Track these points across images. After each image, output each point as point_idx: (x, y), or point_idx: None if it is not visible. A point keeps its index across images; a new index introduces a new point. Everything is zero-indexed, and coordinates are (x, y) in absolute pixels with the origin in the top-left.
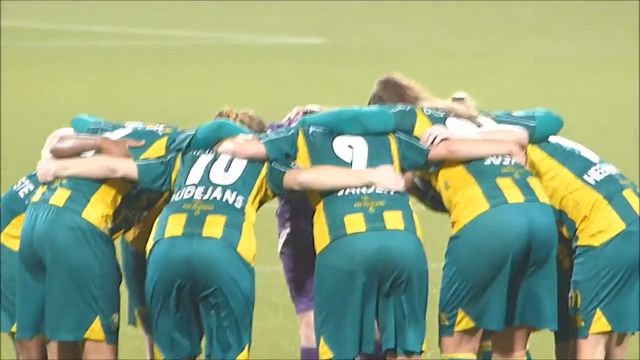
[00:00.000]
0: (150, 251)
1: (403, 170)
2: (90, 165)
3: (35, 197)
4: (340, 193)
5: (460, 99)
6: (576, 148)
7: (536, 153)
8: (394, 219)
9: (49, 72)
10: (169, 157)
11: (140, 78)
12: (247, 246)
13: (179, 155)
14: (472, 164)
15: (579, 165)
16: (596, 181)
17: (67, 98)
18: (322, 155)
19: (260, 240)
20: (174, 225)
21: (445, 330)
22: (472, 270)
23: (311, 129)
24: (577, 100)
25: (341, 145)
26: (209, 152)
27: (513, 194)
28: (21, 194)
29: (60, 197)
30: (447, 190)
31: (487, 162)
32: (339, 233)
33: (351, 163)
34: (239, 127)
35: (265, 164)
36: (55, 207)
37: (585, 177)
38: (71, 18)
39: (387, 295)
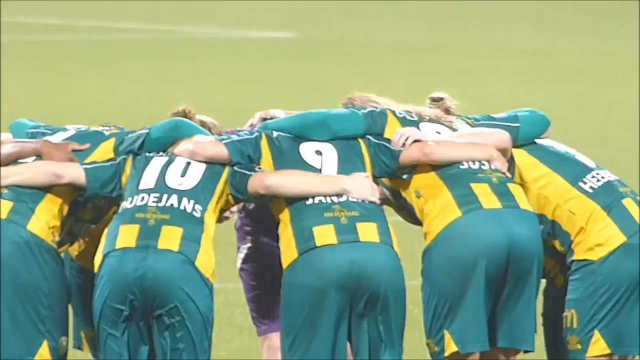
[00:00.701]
0: (100, 265)
1: (375, 177)
2: (32, 171)
3: None
4: (309, 202)
5: (439, 99)
6: (570, 152)
7: (524, 158)
8: (368, 231)
9: None
10: (118, 160)
11: (88, 76)
12: (206, 260)
13: (130, 158)
14: (445, 169)
15: (573, 171)
16: (593, 189)
17: (4, 96)
18: (288, 160)
19: (221, 255)
20: (125, 236)
21: (436, 357)
22: (447, 285)
23: (275, 134)
24: (575, 99)
25: (308, 150)
26: (163, 154)
27: (489, 199)
28: None
29: (1, 208)
30: (418, 199)
31: (463, 166)
32: (308, 246)
33: (321, 170)
34: (197, 127)
35: (227, 168)
36: None
37: (580, 184)
38: (14, 10)
39: (361, 315)
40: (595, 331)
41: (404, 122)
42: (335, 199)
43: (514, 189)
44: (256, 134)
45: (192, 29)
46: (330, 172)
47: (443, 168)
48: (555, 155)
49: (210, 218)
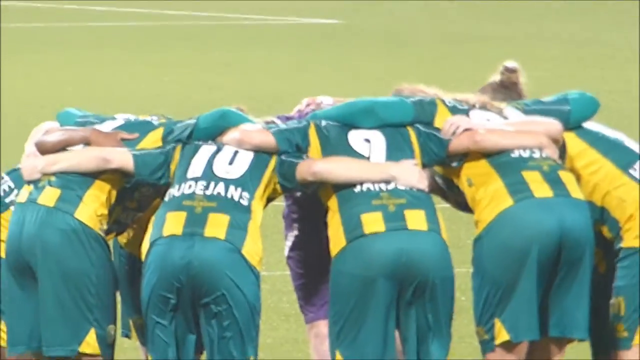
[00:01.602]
0: (147, 253)
1: (424, 165)
2: (80, 157)
3: (22, 198)
4: (358, 189)
5: (512, 70)
6: (619, 137)
7: (575, 143)
8: (416, 219)
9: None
10: (167, 148)
11: (134, 63)
12: (253, 248)
13: (179, 146)
14: (496, 157)
15: (624, 157)
16: None
17: (51, 84)
18: (337, 148)
19: (268, 242)
20: (173, 223)
21: (486, 345)
22: (499, 273)
23: (323, 122)
24: (622, 87)
25: (357, 138)
26: (211, 142)
27: (540, 188)
28: (0, 192)
29: (50, 196)
30: (470, 187)
31: (514, 154)
32: (356, 234)
33: (369, 157)
34: (245, 116)
35: (274, 157)
36: (45, 208)
37: (631, 171)
38: None
39: (409, 303)
40: None
41: (454, 110)
42: (383, 186)
43: (565, 176)
44: (304, 122)
45: (239, 16)
46: (379, 159)
47: (494, 156)
48: (606, 141)
49: (257, 206)
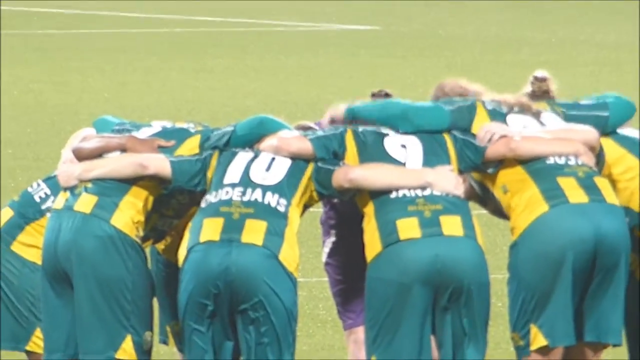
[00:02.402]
0: (184, 259)
1: (461, 171)
2: (117, 163)
3: (58, 204)
4: (394, 195)
5: (543, 79)
6: None
7: (613, 149)
8: (452, 224)
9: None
10: (204, 155)
11: (168, 70)
12: (290, 254)
13: (216, 153)
14: (532, 163)
15: None
16: None
17: (88, 90)
18: (373, 154)
19: (305, 249)
20: (210, 229)
21: (521, 351)
22: (534, 279)
23: (361, 128)
24: None
25: (393, 144)
26: (248, 149)
27: (576, 193)
28: (37, 198)
29: (86, 203)
30: (505, 194)
31: (549, 161)
32: (391, 239)
33: (405, 163)
34: (282, 123)
35: (311, 164)
36: (82, 215)
37: None
38: (94, 4)
39: (444, 308)
40: None
41: (493, 114)
42: (419, 192)
43: (601, 182)
44: (341, 129)
45: (272, 22)
46: (415, 165)
47: (529, 163)
48: None
49: (294, 213)
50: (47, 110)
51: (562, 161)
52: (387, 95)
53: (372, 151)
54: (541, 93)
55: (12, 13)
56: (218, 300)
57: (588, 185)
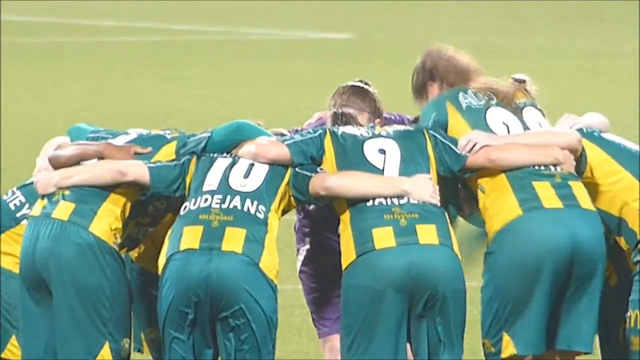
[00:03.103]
0: (164, 267)
1: (439, 175)
2: (96, 170)
3: (35, 212)
4: (370, 203)
5: (521, 81)
6: (638, 150)
7: (596, 153)
8: (427, 233)
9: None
10: (182, 160)
11: (144, 77)
12: (270, 262)
13: (194, 158)
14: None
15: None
16: None
17: (64, 97)
18: (351, 159)
19: (280, 256)
20: (189, 237)
21: (491, 358)
22: (510, 287)
23: (340, 131)
24: (632, 101)
25: (372, 149)
26: (226, 155)
27: (550, 198)
28: (12, 206)
29: (64, 210)
30: (482, 194)
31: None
32: (366, 247)
33: (383, 170)
34: (260, 129)
35: (289, 169)
36: (59, 222)
37: None
38: (70, 12)
39: (420, 316)
40: None
41: (469, 112)
42: (395, 200)
43: (576, 187)
44: (320, 131)
45: (248, 30)
46: (392, 172)
47: None
48: (628, 153)
49: (273, 219)
50: (23, 119)
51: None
52: (366, 84)
53: (350, 156)
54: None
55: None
56: (199, 308)
57: (563, 190)
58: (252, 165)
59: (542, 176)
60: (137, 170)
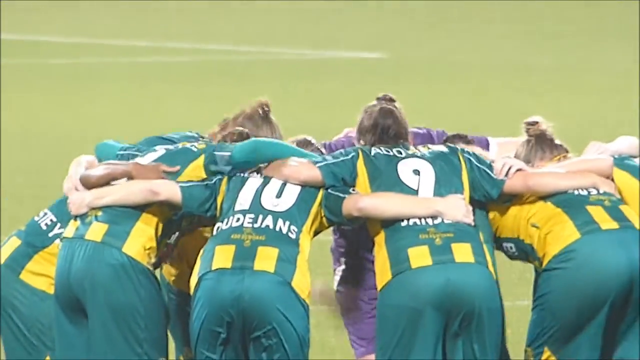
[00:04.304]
0: (196, 287)
1: (474, 200)
2: (128, 190)
3: (69, 233)
4: (404, 223)
5: (534, 123)
6: None
7: (625, 179)
8: (463, 252)
9: (76, 90)
10: (214, 180)
11: (176, 97)
12: (302, 281)
13: (225, 178)
14: (558, 196)
15: None
16: None
17: (97, 117)
18: (385, 180)
19: (313, 276)
20: (221, 257)
21: None
22: (563, 310)
23: (373, 151)
24: None
25: (406, 169)
26: (257, 174)
27: (605, 220)
28: (43, 226)
29: (97, 231)
30: (536, 230)
31: (575, 192)
32: (402, 267)
33: (417, 190)
34: (279, 144)
35: (321, 190)
36: (93, 243)
37: None
38: (105, 33)
39: (455, 334)
40: None
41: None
42: (430, 220)
43: (626, 209)
44: (353, 153)
45: (279, 50)
46: (427, 193)
47: (555, 195)
48: None
49: (305, 239)
50: (56, 138)
51: (584, 192)
52: (391, 100)
53: (385, 176)
54: (537, 136)
55: (18, 42)
56: (231, 327)
57: (616, 213)
58: (284, 184)
59: (593, 202)
60: (169, 190)
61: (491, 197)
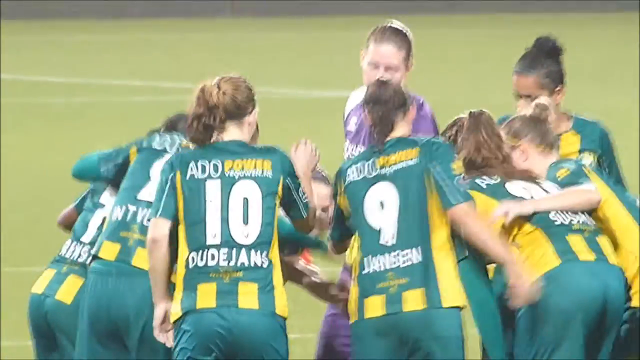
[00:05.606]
0: (182, 320)
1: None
2: None
3: (110, 255)
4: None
5: (545, 108)
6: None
7: (614, 207)
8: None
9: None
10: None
11: None
12: (281, 302)
13: (178, 172)
14: (542, 222)
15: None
16: None
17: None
18: (357, 222)
19: (300, 306)
20: (205, 297)
21: None
22: (547, 330)
23: (350, 176)
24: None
25: (373, 202)
26: (209, 173)
27: (583, 252)
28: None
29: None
30: (516, 249)
31: (557, 222)
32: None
33: (379, 231)
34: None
35: (278, 203)
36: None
37: None
38: (95, 72)
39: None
40: None
41: (490, 190)
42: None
43: (602, 241)
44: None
45: (271, 90)
46: (389, 234)
47: (538, 219)
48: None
49: (274, 252)
50: (54, 174)
51: (567, 221)
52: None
53: (356, 219)
54: (539, 120)
55: (15, 82)
56: (218, 357)
57: (593, 245)
58: (246, 203)
59: (574, 231)
60: None
61: (444, 207)
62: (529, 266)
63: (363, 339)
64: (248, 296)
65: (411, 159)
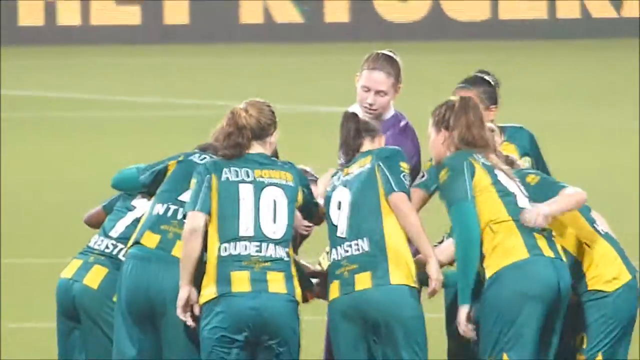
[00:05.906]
0: (215, 301)
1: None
2: None
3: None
4: None
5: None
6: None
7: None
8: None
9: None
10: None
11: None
12: (299, 291)
13: (214, 176)
14: (515, 215)
15: (589, 215)
16: (605, 232)
17: (113, 168)
18: (326, 217)
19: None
20: (239, 282)
21: None
22: (512, 313)
23: (333, 184)
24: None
25: (334, 203)
26: (242, 177)
27: (546, 248)
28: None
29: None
30: (492, 232)
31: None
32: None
33: (336, 226)
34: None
35: (295, 207)
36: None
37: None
38: (119, 90)
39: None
40: (599, 354)
41: (486, 167)
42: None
43: (557, 242)
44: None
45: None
46: (341, 230)
47: (516, 215)
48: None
49: (291, 251)
50: (71, 185)
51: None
52: (393, 53)
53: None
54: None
55: (28, 98)
56: (248, 336)
57: (551, 244)
58: (274, 205)
59: (539, 231)
60: None
61: (386, 194)
62: (499, 253)
63: (333, 321)
64: (276, 283)
65: (365, 165)
